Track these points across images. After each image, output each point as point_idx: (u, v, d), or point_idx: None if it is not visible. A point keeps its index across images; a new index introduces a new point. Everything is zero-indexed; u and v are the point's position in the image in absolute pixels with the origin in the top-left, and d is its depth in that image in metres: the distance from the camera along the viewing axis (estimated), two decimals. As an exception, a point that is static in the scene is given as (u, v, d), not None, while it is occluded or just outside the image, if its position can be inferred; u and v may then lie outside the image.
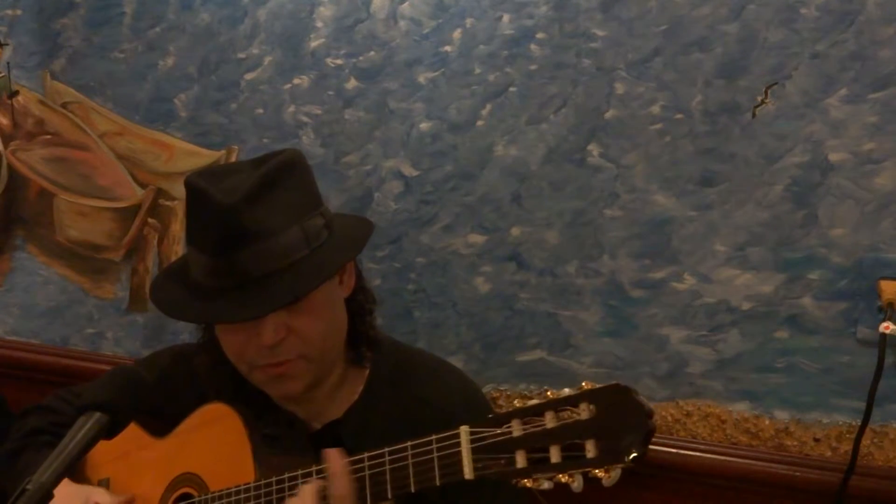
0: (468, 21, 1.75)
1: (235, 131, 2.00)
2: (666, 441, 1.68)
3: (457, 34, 1.76)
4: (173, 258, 2.09)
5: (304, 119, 1.92)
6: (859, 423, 1.55)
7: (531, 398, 1.78)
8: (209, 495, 1.27)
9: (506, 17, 1.72)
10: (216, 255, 1.17)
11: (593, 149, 1.69)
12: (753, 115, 1.58)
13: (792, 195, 1.58)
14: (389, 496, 1.06)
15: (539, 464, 0.91)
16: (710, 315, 1.66)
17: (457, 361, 1.75)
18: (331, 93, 1.88)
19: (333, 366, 1.31)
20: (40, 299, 2.28)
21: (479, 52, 1.75)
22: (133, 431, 1.38)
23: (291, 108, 1.93)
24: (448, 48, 1.77)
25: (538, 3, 1.69)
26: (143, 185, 2.12)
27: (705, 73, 1.60)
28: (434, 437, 1.01)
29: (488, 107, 1.76)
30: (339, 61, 1.87)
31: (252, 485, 1.20)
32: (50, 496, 1.03)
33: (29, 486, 1.02)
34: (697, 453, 1.68)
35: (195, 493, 1.31)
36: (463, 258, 1.82)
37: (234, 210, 1.14)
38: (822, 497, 1.59)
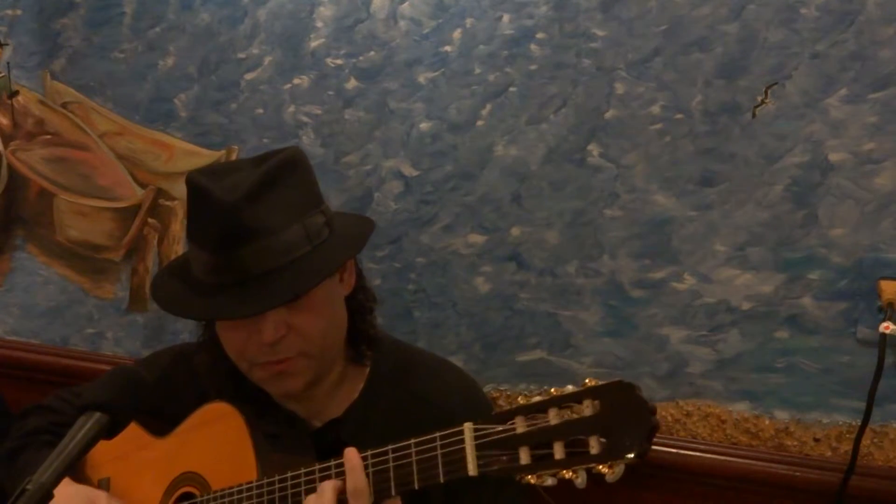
0: (468, 21, 1.75)
1: (235, 131, 2.00)
2: (666, 441, 1.68)
3: (457, 34, 1.76)
4: (173, 258, 2.08)
5: (304, 119, 1.92)
6: (859, 423, 1.55)
7: (526, 397, 1.79)
8: (211, 494, 1.27)
9: (506, 17, 1.72)
10: (217, 252, 1.17)
11: (593, 149, 1.69)
12: (753, 115, 1.58)
13: (792, 195, 1.58)
14: (393, 493, 1.06)
15: (543, 460, 0.92)
16: (710, 315, 1.66)
17: (457, 361, 1.75)
18: (331, 93, 1.88)
19: (333, 364, 1.31)
20: (40, 299, 2.28)
21: (479, 52, 1.75)
22: (133, 431, 1.38)
23: (291, 108, 1.93)
24: (448, 48, 1.77)
25: (538, 3, 1.69)
26: (143, 185, 2.12)
27: (705, 73, 1.60)
28: (438, 434, 1.01)
29: (488, 107, 1.76)
30: (339, 61, 1.87)
31: (255, 483, 1.20)
32: (50, 496, 1.03)
33: (29, 486, 1.02)
34: (697, 453, 1.68)
35: (197, 493, 1.31)
36: (463, 258, 1.82)
37: (235, 208, 1.15)
38: (822, 497, 1.59)
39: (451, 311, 1.85)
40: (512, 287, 1.79)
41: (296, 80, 1.92)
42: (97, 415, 1.10)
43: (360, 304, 1.32)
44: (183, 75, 2.03)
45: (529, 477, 0.93)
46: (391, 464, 1.06)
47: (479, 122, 1.77)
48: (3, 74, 2.21)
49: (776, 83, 1.56)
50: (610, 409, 0.88)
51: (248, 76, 1.96)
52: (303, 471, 1.15)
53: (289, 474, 1.16)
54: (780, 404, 1.64)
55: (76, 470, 1.45)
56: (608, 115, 1.67)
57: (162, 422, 1.41)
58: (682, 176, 1.64)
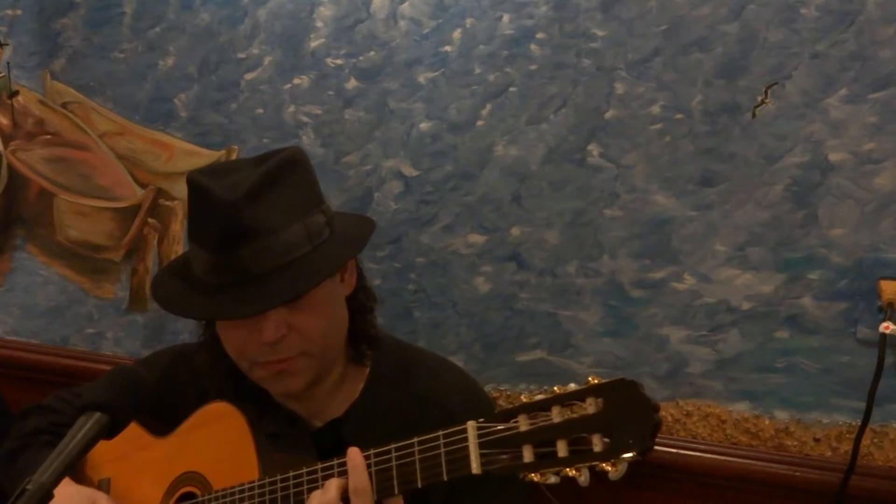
0: (468, 21, 1.75)
1: (235, 131, 2.00)
2: (666, 441, 1.68)
3: (457, 34, 1.76)
4: (173, 258, 2.08)
5: (304, 119, 1.92)
6: (859, 423, 1.55)
7: (528, 395, 1.79)
8: (213, 494, 1.27)
9: (506, 17, 1.72)
10: (218, 251, 1.17)
11: (593, 149, 1.69)
12: (753, 115, 1.58)
13: (792, 195, 1.58)
14: (396, 492, 1.06)
15: (546, 458, 0.92)
16: (710, 315, 1.66)
17: (457, 361, 1.75)
18: (331, 93, 1.88)
19: (334, 364, 1.31)
20: (40, 299, 2.28)
21: (479, 52, 1.75)
22: (134, 431, 1.38)
23: (291, 108, 1.93)
24: (448, 48, 1.77)
25: (538, 3, 1.69)
26: (143, 185, 2.12)
27: (705, 73, 1.60)
28: (441, 432, 1.02)
29: (488, 107, 1.76)
30: (339, 61, 1.87)
31: (256, 483, 1.20)
32: (50, 496, 1.03)
33: (29, 486, 1.02)
34: (697, 453, 1.68)
35: (198, 492, 1.31)
36: (463, 258, 1.82)
37: (235, 207, 1.15)
38: (822, 497, 1.59)
39: (451, 311, 1.85)
40: (512, 287, 1.79)
41: (296, 80, 1.92)
42: (97, 415, 1.10)
43: (360, 303, 1.32)
44: (183, 75, 2.03)
45: (533, 475, 0.93)
46: (394, 462, 1.06)
47: (479, 122, 1.77)
48: (3, 74, 2.21)
49: (776, 83, 1.56)
50: (613, 407, 0.88)
51: (248, 76, 1.96)
52: (305, 470, 1.15)
53: (291, 474, 1.16)
54: (780, 404, 1.64)
55: (76, 470, 1.45)
56: (608, 115, 1.67)
57: (162, 422, 1.41)
58: (682, 176, 1.64)
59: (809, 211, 1.57)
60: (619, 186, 1.68)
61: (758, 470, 1.63)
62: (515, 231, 1.77)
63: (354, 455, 1.09)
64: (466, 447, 0.98)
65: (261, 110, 1.96)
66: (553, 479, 0.92)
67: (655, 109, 1.64)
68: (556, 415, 0.92)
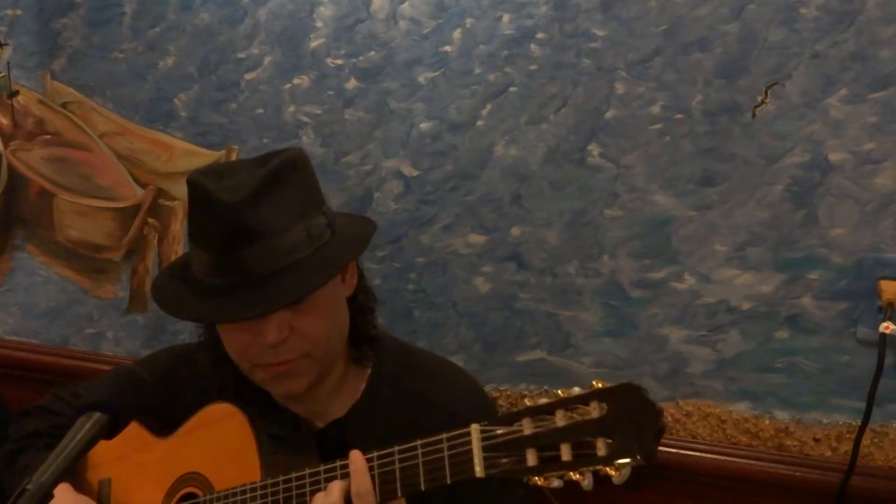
0: (468, 21, 1.75)
1: (235, 131, 2.00)
2: (666, 441, 1.68)
3: (457, 34, 1.76)
4: (173, 258, 2.08)
5: (304, 119, 1.92)
6: (859, 423, 1.56)
7: (532, 397, 1.79)
8: (214, 495, 1.27)
9: (506, 17, 1.72)
10: (219, 253, 1.16)
11: (593, 149, 1.69)
12: (753, 115, 1.58)
13: (792, 195, 1.58)
14: (399, 494, 1.06)
15: (550, 462, 0.92)
16: (710, 315, 1.66)
17: (457, 361, 1.75)
18: (331, 93, 1.88)
19: (335, 365, 1.31)
20: (40, 299, 2.28)
21: (479, 52, 1.75)
22: (135, 431, 1.38)
23: (291, 108, 1.93)
24: (448, 48, 1.77)
25: (538, 3, 1.69)
26: (143, 185, 2.12)
27: (705, 73, 1.60)
28: (444, 435, 1.01)
29: (488, 107, 1.76)
30: (339, 61, 1.87)
31: (258, 484, 1.20)
32: (50, 496, 1.04)
33: (29, 486, 1.02)
34: (697, 453, 1.68)
35: (199, 493, 1.31)
36: (463, 258, 1.82)
37: (237, 209, 1.14)
38: (822, 497, 1.59)
39: (451, 311, 1.85)
40: (512, 287, 1.79)
41: (296, 80, 1.91)
42: (97, 415, 1.10)
43: (361, 304, 1.32)
44: (183, 75, 2.03)
45: (536, 479, 0.93)
46: (397, 465, 1.06)
47: (479, 122, 1.77)
48: (3, 74, 2.21)
49: (776, 83, 1.56)
50: (617, 412, 0.88)
51: (248, 76, 1.96)
52: (307, 471, 1.15)
53: (293, 475, 1.16)
54: (780, 404, 1.64)
55: (76, 470, 1.45)
56: (608, 115, 1.67)
57: (163, 422, 1.41)
58: (682, 176, 1.64)
59: (809, 211, 1.57)
60: (619, 186, 1.68)
61: (758, 470, 1.63)
62: (515, 231, 1.77)
63: (356, 458, 1.09)
64: (470, 450, 0.98)
65: (261, 110, 1.96)
66: (557, 483, 0.92)
67: (655, 109, 1.64)
68: (560, 419, 0.92)
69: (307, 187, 1.24)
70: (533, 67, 1.71)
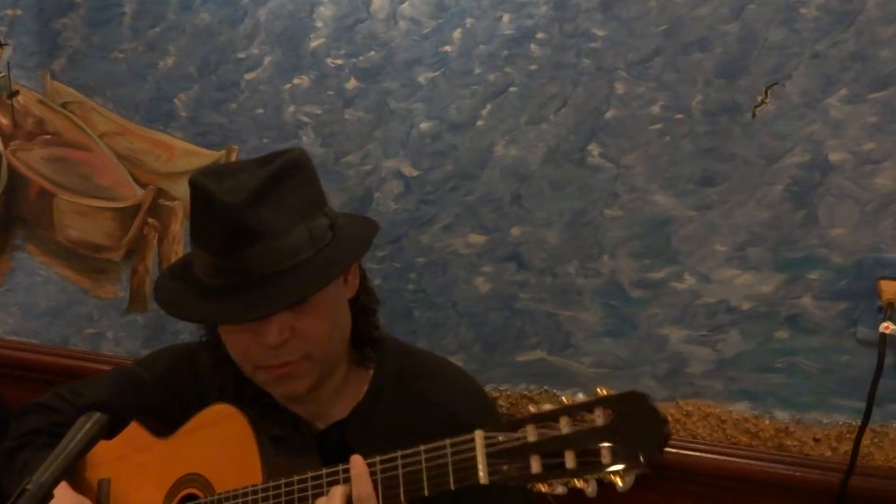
0: (468, 21, 1.75)
1: (235, 131, 1.99)
2: (666, 441, 1.68)
3: (457, 34, 1.76)
4: (173, 258, 2.08)
5: (304, 119, 1.92)
6: (859, 423, 1.56)
7: (532, 398, 1.79)
8: (215, 497, 1.27)
9: (506, 17, 1.72)
10: (220, 254, 1.16)
11: (593, 149, 1.69)
12: (753, 115, 1.58)
13: (792, 195, 1.58)
14: (402, 499, 1.05)
15: (554, 469, 0.91)
16: (710, 315, 1.66)
17: (457, 361, 1.75)
18: (331, 93, 1.88)
19: (337, 366, 1.30)
20: (40, 299, 2.28)
21: (479, 52, 1.75)
22: (135, 431, 1.38)
23: (291, 108, 1.93)
24: (448, 48, 1.77)
25: (538, 3, 1.69)
26: (143, 185, 2.12)
27: (705, 73, 1.60)
28: (448, 441, 1.01)
29: (488, 107, 1.76)
30: (339, 61, 1.87)
31: (260, 487, 1.20)
32: (50, 496, 1.03)
33: (29, 486, 1.02)
34: (697, 453, 1.68)
35: (200, 494, 1.31)
36: (463, 258, 1.82)
37: (239, 210, 1.14)
38: (822, 497, 1.59)
39: (451, 311, 1.85)
40: (512, 287, 1.79)
41: (296, 80, 1.91)
42: (97, 415, 1.10)
43: (363, 306, 1.32)
44: (183, 75, 2.03)
45: (540, 486, 0.92)
46: (400, 470, 1.05)
47: (479, 122, 1.77)
48: (3, 74, 2.21)
49: (776, 83, 1.56)
50: (622, 419, 0.88)
51: (248, 76, 1.96)
52: (310, 475, 1.14)
53: (295, 478, 1.16)
54: (780, 404, 1.64)
55: (76, 470, 1.44)
56: (608, 115, 1.67)
57: (163, 422, 1.41)
58: (682, 176, 1.64)
59: (809, 211, 1.57)
60: (619, 186, 1.68)
61: (758, 470, 1.63)
62: (515, 231, 1.77)
63: (358, 463, 1.09)
64: (474, 456, 0.98)
65: (261, 110, 1.96)
66: (561, 490, 0.91)
67: (655, 109, 1.64)
68: (565, 426, 0.91)
69: (309, 188, 1.24)
70: (533, 67, 1.71)
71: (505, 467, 0.95)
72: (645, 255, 1.69)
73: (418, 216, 1.84)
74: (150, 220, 2.12)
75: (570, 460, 0.90)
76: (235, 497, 1.23)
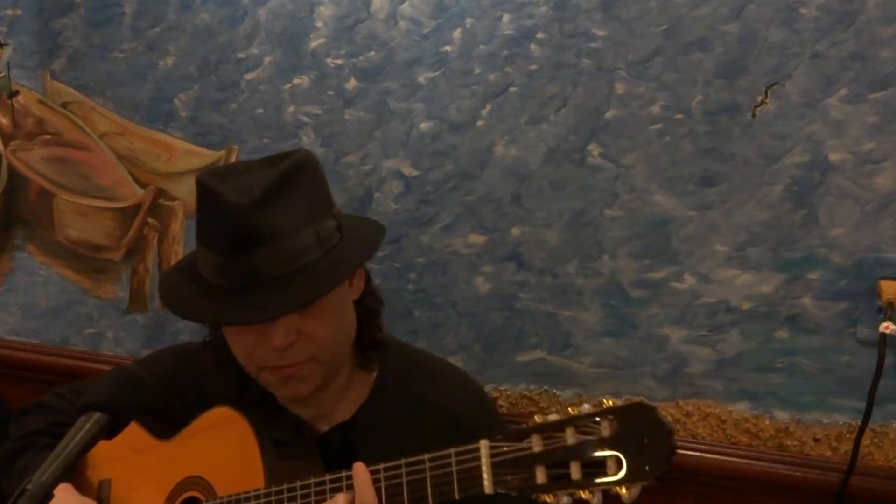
0: (468, 21, 1.74)
1: (235, 131, 1.99)
2: (666, 441, 1.68)
3: (457, 34, 1.76)
4: (173, 258, 2.08)
5: (304, 119, 1.92)
6: (859, 423, 1.56)
7: (532, 398, 1.79)
8: (217, 500, 1.27)
9: (506, 17, 1.72)
10: (227, 255, 1.15)
11: (593, 149, 1.69)
12: (753, 115, 1.58)
13: (792, 195, 1.58)
14: None
15: (559, 480, 0.91)
16: (710, 315, 1.66)
17: (457, 361, 1.76)
18: (331, 93, 1.88)
19: (342, 368, 1.30)
20: (40, 299, 2.28)
21: (479, 52, 1.75)
22: (136, 432, 1.38)
23: (291, 108, 1.93)
24: (448, 48, 1.77)
25: (538, 3, 1.69)
26: (143, 185, 2.12)
27: (705, 73, 1.60)
28: (453, 450, 1.01)
29: (488, 107, 1.76)
30: (339, 61, 1.87)
31: (262, 492, 1.19)
32: (50, 496, 1.03)
33: (29, 486, 1.02)
34: (697, 453, 1.68)
35: (201, 497, 1.30)
36: (463, 258, 1.82)
37: (247, 211, 1.13)
38: (822, 497, 1.59)
39: (451, 311, 1.85)
40: (512, 287, 1.79)
41: (296, 80, 1.91)
42: (97, 415, 1.09)
43: (368, 308, 1.32)
44: (183, 75, 2.03)
45: (545, 496, 0.92)
46: (404, 479, 1.05)
47: (479, 122, 1.77)
48: (3, 74, 2.21)
49: (776, 83, 1.56)
50: (628, 430, 0.88)
51: (248, 76, 1.96)
52: (313, 481, 1.14)
53: (298, 483, 1.15)
54: (780, 404, 1.64)
55: (76, 471, 1.44)
56: (608, 115, 1.67)
57: (164, 423, 1.40)
58: (682, 176, 1.64)
59: (809, 211, 1.57)
60: (619, 186, 1.68)
61: (758, 470, 1.63)
62: (515, 231, 1.77)
63: (360, 470, 1.08)
64: (479, 466, 0.97)
65: (261, 110, 1.96)
66: (565, 500, 0.91)
67: (655, 109, 1.64)
68: (570, 436, 0.91)
69: (316, 190, 1.23)
70: (533, 67, 1.71)
71: (510, 477, 0.95)
72: (645, 255, 1.69)
73: (418, 216, 1.84)
74: (150, 220, 2.12)
75: (575, 471, 0.90)
76: (238, 501, 1.22)
